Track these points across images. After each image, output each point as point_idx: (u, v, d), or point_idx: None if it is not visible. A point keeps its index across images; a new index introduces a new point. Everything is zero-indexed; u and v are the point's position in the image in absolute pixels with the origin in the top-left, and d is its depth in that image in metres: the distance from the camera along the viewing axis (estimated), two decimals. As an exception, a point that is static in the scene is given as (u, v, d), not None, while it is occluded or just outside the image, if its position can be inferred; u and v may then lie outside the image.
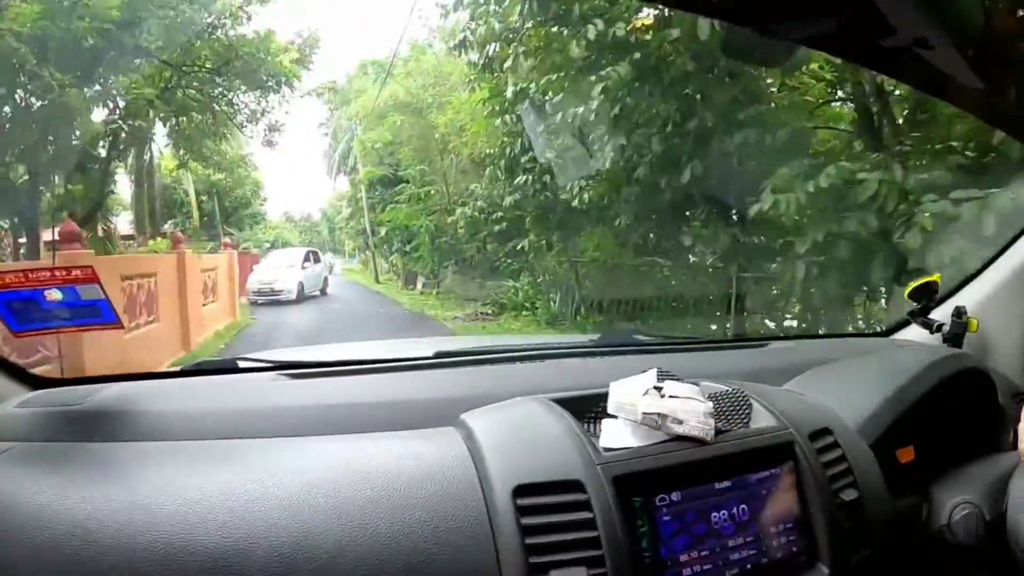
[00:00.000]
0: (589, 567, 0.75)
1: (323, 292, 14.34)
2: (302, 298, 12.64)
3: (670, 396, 0.90)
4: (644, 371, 0.99)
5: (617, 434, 0.88)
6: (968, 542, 1.03)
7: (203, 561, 0.72)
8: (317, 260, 14.51)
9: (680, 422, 0.86)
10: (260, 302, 11.91)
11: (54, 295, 1.17)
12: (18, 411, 1.06)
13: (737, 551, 0.85)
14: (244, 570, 0.72)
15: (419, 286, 14.81)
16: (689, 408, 0.88)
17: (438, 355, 1.29)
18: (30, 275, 1.16)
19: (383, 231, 14.83)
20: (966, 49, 0.68)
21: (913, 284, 1.45)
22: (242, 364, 1.31)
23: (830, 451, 0.98)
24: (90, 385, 1.18)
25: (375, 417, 1.02)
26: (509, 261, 10.12)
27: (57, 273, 1.17)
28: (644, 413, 0.86)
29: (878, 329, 1.65)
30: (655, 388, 0.92)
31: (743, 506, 0.87)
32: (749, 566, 0.85)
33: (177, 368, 1.33)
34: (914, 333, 1.49)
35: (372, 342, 5.09)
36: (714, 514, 0.85)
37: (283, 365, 1.26)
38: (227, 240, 12.93)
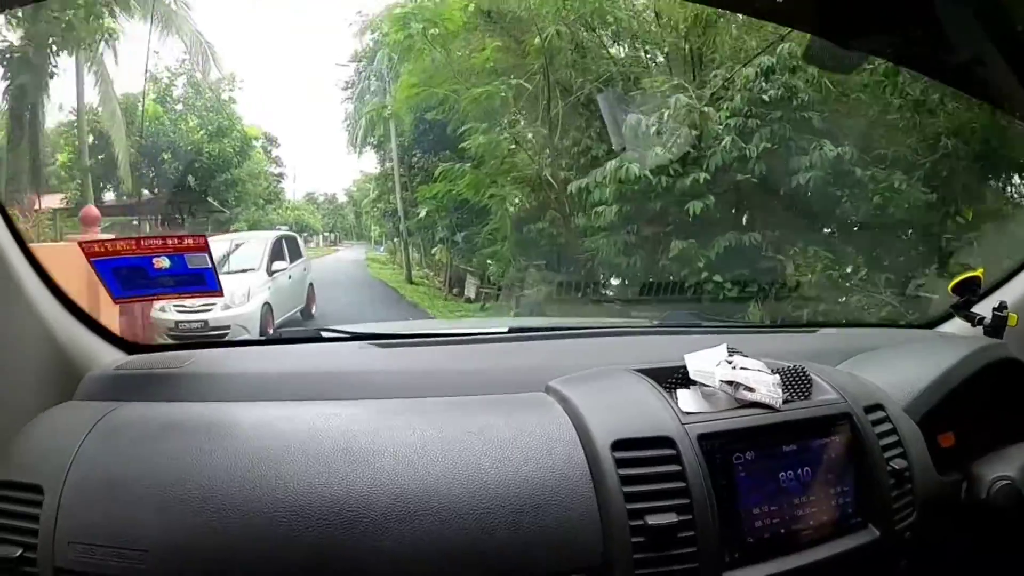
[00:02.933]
0: (679, 514, 0.84)
1: (307, 314, 8.13)
2: (270, 333, 5.90)
3: (741, 368, 0.99)
4: (703, 349, 1.08)
5: (694, 400, 0.97)
6: (1007, 506, 1.10)
7: (331, 507, 0.80)
8: (296, 254, 8.18)
9: (752, 390, 0.95)
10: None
11: (162, 263, 1.25)
12: (118, 373, 1.15)
13: (801, 508, 0.94)
14: (368, 515, 0.80)
15: (470, 292, 10.37)
16: (759, 378, 0.97)
17: (512, 330, 1.38)
18: (142, 243, 1.25)
19: (423, 212, 10.44)
20: (1017, 65, 0.76)
21: (957, 278, 1.51)
22: (325, 334, 1.39)
23: (882, 424, 1.07)
24: (181, 351, 1.27)
25: (462, 383, 1.10)
26: (727, 288, 5.06)
27: (169, 242, 1.26)
28: (721, 380, 0.95)
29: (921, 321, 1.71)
30: (726, 361, 1.01)
31: (807, 468, 0.96)
32: (811, 522, 0.94)
33: (262, 338, 1.42)
34: (956, 326, 1.56)
35: (444, 320, 5.14)
36: (782, 474, 0.94)
37: (366, 336, 1.35)
38: (90, 210, 6.38)
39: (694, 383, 1.02)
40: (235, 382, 1.13)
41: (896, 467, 1.03)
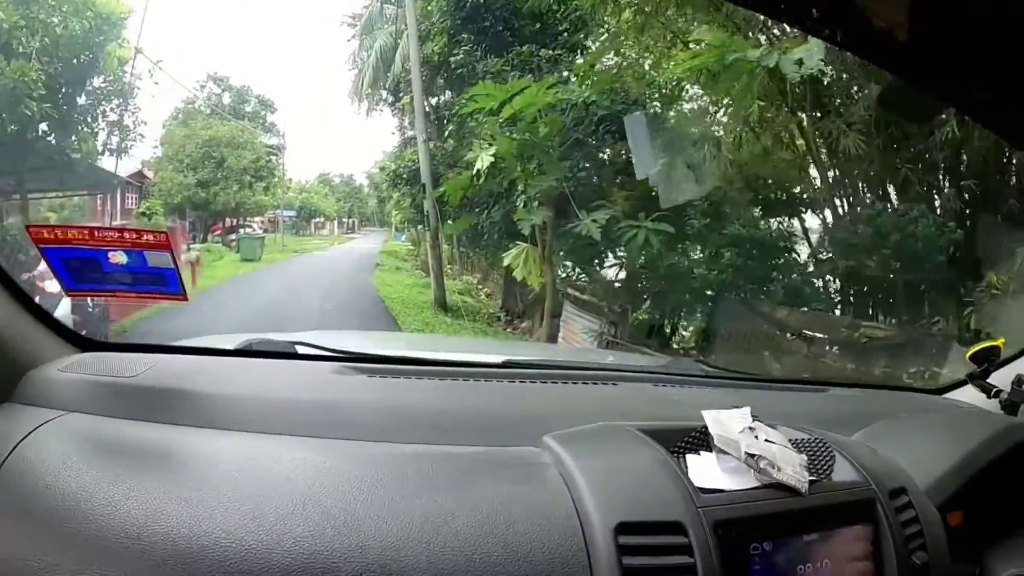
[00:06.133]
0: None
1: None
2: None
3: (765, 440, 0.88)
4: (711, 403, 0.97)
5: (708, 473, 0.86)
6: None
7: (284, 570, 0.68)
8: None
9: (779, 469, 0.84)
10: None
11: (118, 258, 1.14)
12: (64, 375, 1.02)
13: None
14: None
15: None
16: (786, 456, 0.87)
17: (508, 364, 1.27)
18: (96, 234, 1.13)
19: (483, 160, 4.80)
20: None
21: (976, 347, 1.44)
22: (301, 350, 1.27)
23: (905, 511, 0.97)
24: (139, 354, 1.15)
25: (448, 427, 0.99)
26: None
27: (127, 235, 1.14)
28: (747, 453, 0.84)
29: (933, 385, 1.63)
30: (749, 428, 0.90)
31: (827, 561, 0.86)
32: None
33: (230, 347, 1.29)
34: (968, 395, 1.48)
35: (433, 337, 4.57)
36: (800, 567, 0.83)
37: (345, 356, 1.23)
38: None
39: (706, 449, 0.91)
40: (196, 401, 0.99)
41: (918, 561, 0.93)
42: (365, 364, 1.18)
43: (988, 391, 1.43)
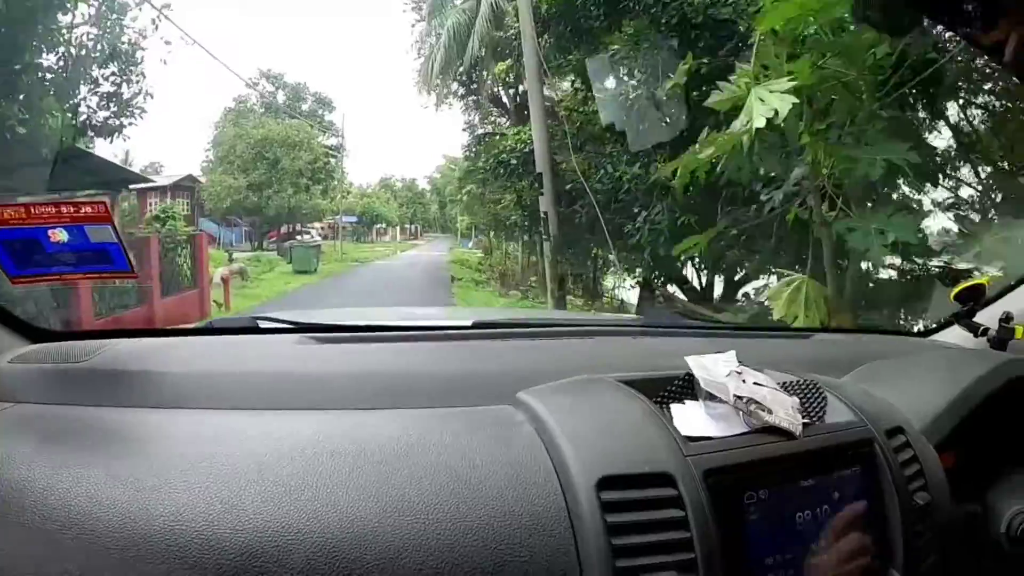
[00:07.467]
0: (680, 572, 0.67)
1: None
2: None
3: (754, 383, 0.84)
4: (694, 353, 0.92)
5: (695, 421, 0.80)
6: None
7: (230, 558, 0.62)
8: None
9: (770, 411, 0.79)
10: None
11: (58, 236, 1.05)
12: (12, 367, 0.95)
13: (818, 555, 0.78)
14: (281, 573, 0.61)
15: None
16: (777, 398, 0.82)
17: (476, 325, 1.21)
18: (33, 211, 1.04)
19: (780, 97, 2.35)
20: None
21: (960, 286, 1.41)
22: (262, 324, 1.20)
23: (903, 451, 0.93)
24: (94, 340, 1.07)
25: (415, 390, 0.93)
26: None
27: (64, 209, 1.05)
28: (736, 396, 0.79)
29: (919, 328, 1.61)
30: (736, 372, 0.86)
31: (825, 507, 0.80)
32: (829, 572, 0.79)
33: (190, 326, 1.22)
34: (955, 336, 1.46)
35: (400, 308, 4.38)
36: (799, 515, 0.78)
37: (308, 327, 1.16)
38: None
39: (692, 397, 0.86)
40: (148, 382, 0.93)
41: (920, 502, 0.89)
42: (326, 333, 1.11)
43: (975, 330, 1.40)
